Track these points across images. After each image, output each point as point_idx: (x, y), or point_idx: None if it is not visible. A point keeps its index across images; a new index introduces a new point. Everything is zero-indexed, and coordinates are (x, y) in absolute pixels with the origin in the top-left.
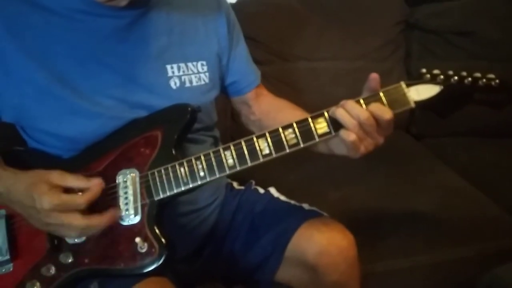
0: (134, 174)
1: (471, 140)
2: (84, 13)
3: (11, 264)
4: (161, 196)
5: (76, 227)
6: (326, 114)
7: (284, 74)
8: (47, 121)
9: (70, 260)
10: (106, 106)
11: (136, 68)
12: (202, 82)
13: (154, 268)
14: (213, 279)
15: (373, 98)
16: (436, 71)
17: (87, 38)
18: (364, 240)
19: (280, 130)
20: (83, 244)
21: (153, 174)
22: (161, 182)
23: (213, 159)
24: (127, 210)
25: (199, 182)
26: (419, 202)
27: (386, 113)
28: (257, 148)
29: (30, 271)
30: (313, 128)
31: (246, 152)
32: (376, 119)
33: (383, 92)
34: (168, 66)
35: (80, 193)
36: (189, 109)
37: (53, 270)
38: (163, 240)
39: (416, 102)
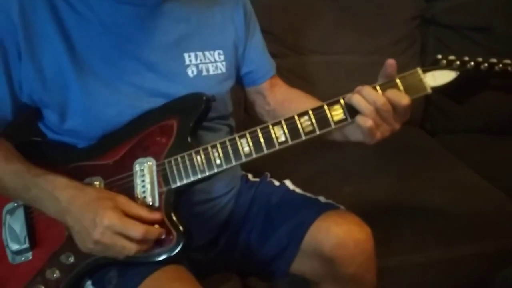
0: (150, 163)
1: (485, 137)
2: None
3: (30, 253)
4: (178, 184)
5: (128, 251)
6: (342, 101)
7: (298, 67)
8: (66, 105)
9: None
10: (125, 93)
11: (155, 56)
12: (219, 71)
13: (172, 255)
14: (228, 270)
15: (389, 84)
16: (451, 57)
17: (108, 25)
18: (378, 235)
19: (296, 117)
20: None
21: (169, 162)
22: (178, 170)
23: (229, 147)
24: (144, 198)
25: (216, 170)
26: (433, 197)
27: (403, 99)
28: (273, 135)
29: (49, 259)
30: (329, 115)
31: (262, 139)
32: (393, 105)
33: (399, 78)
34: (186, 55)
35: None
36: (204, 98)
37: (72, 258)
38: (180, 227)
39: (433, 88)
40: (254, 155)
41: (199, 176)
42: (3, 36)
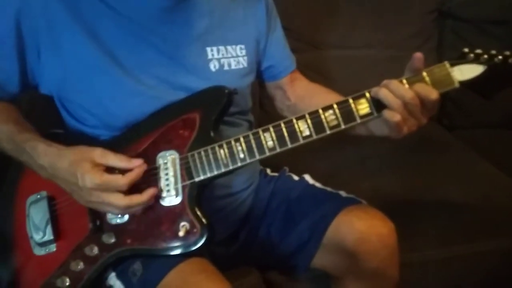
0: (174, 156)
1: (504, 132)
2: None
3: (54, 244)
4: (202, 177)
5: (117, 206)
6: (367, 94)
7: (315, 62)
8: (90, 96)
9: (112, 240)
10: (149, 85)
11: (179, 50)
12: (241, 66)
13: (196, 248)
14: (248, 264)
15: (416, 78)
16: (478, 51)
17: (134, 17)
18: (399, 230)
19: (320, 111)
20: (125, 225)
21: (193, 155)
22: (201, 163)
23: (252, 141)
24: (168, 191)
25: (239, 164)
26: (454, 192)
27: (431, 93)
28: (297, 129)
29: (73, 251)
30: (354, 109)
31: (285, 133)
32: (421, 99)
33: (426, 72)
34: (208, 49)
35: (118, 173)
36: (226, 91)
37: (96, 250)
38: (204, 220)
39: (460, 82)
40: (278, 149)
41: (223, 170)
42: (24, 26)
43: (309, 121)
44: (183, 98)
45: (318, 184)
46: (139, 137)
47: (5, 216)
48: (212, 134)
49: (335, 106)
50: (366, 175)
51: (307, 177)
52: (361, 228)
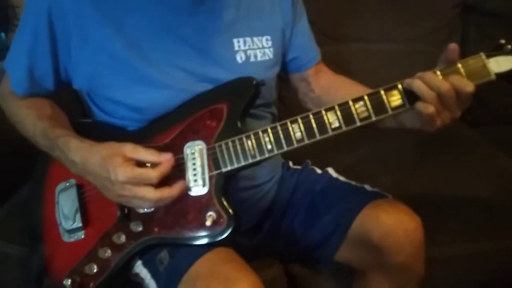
0: (201, 146)
1: None
2: None
3: (82, 232)
4: (229, 168)
5: (148, 199)
6: (399, 86)
7: (336, 55)
8: (119, 90)
9: (140, 229)
10: (177, 77)
11: (206, 41)
12: (267, 58)
13: (223, 238)
14: (271, 256)
15: (450, 69)
16: None
17: (161, 10)
18: (423, 225)
19: (350, 103)
20: (153, 213)
21: (220, 146)
22: (229, 154)
23: (280, 132)
24: (195, 181)
25: (267, 155)
26: (478, 188)
27: (467, 86)
28: (326, 121)
29: (101, 238)
30: (386, 101)
31: (314, 125)
32: (457, 91)
33: (461, 64)
34: (235, 40)
35: (149, 166)
36: (254, 82)
37: (123, 238)
38: (230, 210)
39: (497, 74)
40: (306, 141)
41: (250, 161)
42: (56, 23)
43: (338, 112)
44: (211, 89)
45: (342, 178)
46: (167, 128)
47: (35, 204)
48: (239, 125)
49: (365, 97)
50: (387, 170)
51: (331, 170)
52: (388, 222)
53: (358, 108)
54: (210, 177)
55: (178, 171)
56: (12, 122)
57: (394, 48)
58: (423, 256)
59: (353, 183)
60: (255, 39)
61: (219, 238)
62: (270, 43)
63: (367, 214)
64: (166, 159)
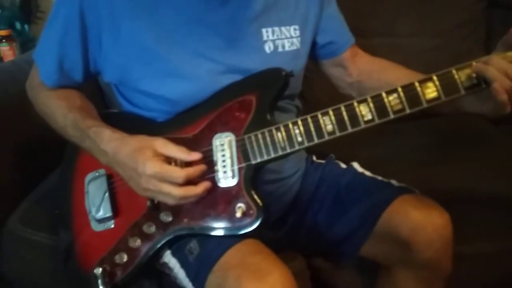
0: (230, 138)
1: None
2: None
3: (112, 221)
4: (258, 160)
5: (173, 196)
6: (434, 77)
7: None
8: (150, 82)
9: (170, 219)
10: (207, 68)
11: (235, 32)
12: (294, 47)
13: (252, 229)
14: (294, 249)
15: None
16: None
17: (193, 1)
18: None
19: (384, 95)
20: (183, 204)
21: (249, 138)
22: (258, 146)
23: (311, 124)
24: (225, 172)
25: (297, 147)
26: (503, 186)
27: None
28: (358, 113)
29: (131, 228)
30: (420, 93)
31: (346, 117)
32: None
33: None
34: (264, 30)
35: (177, 164)
36: (283, 73)
37: (153, 228)
38: (259, 202)
39: None
40: (338, 134)
41: (280, 153)
42: (87, 14)
43: (371, 104)
44: (240, 80)
45: (367, 173)
46: (196, 119)
47: (64, 193)
48: (268, 116)
49: (399, 89)
50: (412, 166)
51: (356, 165)
52: (417, 217)
53: (392, 100)
54: (240, 169)
55: (207, 163)
56: (41, 113)
57: (417, 43)
58: (451, 253)
59: (379, 178)
60: (283, 28)
61: (249, 229)
62: (298, 32)
63: (395, 209)
64: (195, 158)
